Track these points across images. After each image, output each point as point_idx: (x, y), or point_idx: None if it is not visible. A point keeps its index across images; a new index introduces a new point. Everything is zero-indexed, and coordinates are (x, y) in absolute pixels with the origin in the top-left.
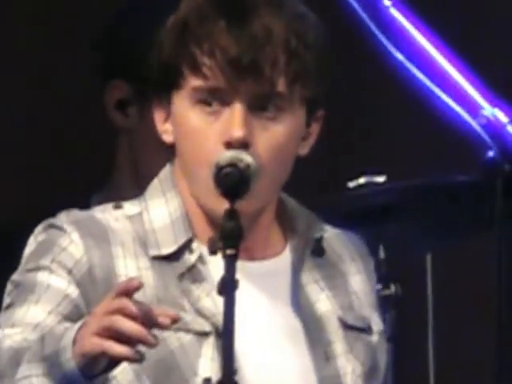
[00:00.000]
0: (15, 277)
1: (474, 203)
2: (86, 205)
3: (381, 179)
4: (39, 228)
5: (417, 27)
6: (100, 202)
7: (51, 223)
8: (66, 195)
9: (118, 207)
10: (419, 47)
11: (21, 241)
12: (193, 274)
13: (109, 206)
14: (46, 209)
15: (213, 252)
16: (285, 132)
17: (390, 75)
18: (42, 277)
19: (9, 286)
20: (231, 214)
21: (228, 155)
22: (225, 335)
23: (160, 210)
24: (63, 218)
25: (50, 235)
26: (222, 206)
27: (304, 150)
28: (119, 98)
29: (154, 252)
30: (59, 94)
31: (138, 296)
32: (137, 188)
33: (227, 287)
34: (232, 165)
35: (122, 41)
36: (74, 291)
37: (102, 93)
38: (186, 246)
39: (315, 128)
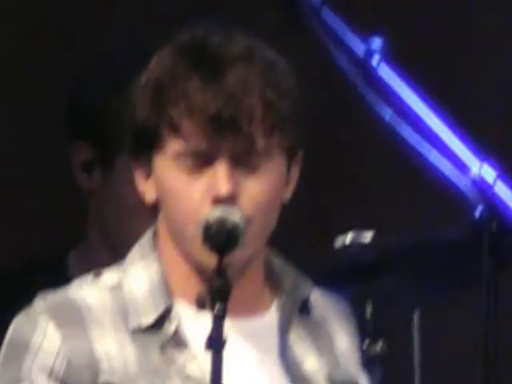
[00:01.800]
0: None
1: (461, 261)
2: (63, 261)
3: (368, 237)
4: (17, 320)
5: (405, 83)
6: (76, 260)
7: (28, 316)
8: (43, 249)
9: (96, 278)
10: (407, 103)
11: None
12: (175, 341)
13: (88, 277)
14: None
15: (201, 307)
16: (268, 182)
17: (379, 131)
18: None
19: None
20: (220, 271)
21: (216, 213)
22: None
23: (139, 277)
24: (38, 307)
25: (26, 333)
26: (211, 259)
27: (287, 195)
28: (83, 160)
29: (134, 325)
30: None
31: (121, 373)
32: (107, 248)
33: (215, 346)
34: (220, 223)
35: (83, 104)
36: None
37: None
38: (164, 315)
39: (295, 171)
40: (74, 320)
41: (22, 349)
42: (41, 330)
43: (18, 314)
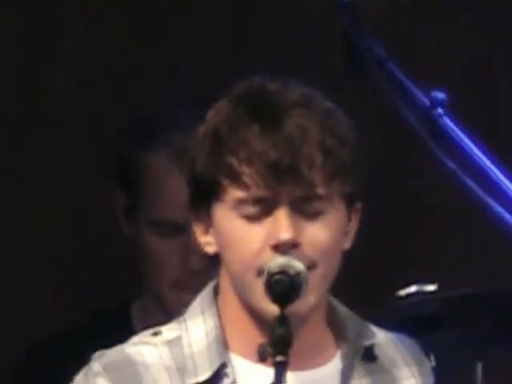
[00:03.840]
0: None
1: None
2: (126, 312)
3: (431, 288)
4: (77, 380)
5: (467, 137)
6: (138, 310)
7: (86, 376)
8: (106, 302)
9: (156, 334)
10: (471, 156)
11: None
12: None
13: (147, 334)
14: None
15: (262, 359)
16: (329, 228)
17: (443, 184)
18: None
19: None
20: (282, 320)
21: (278, 262)
22: None
23: (198, 332)
24: (95, 368)
25: None
26: (272, 308)
27: (347, 245)
28: (122, 208)
29: (191, 381)
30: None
31: None
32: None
33: None
34: (283, 272)
35: (117, 156)
36: None
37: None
38: (220, 371)
39: (355, 221)
40: (130, 378)
41: None
42: None
43: (77, 374)
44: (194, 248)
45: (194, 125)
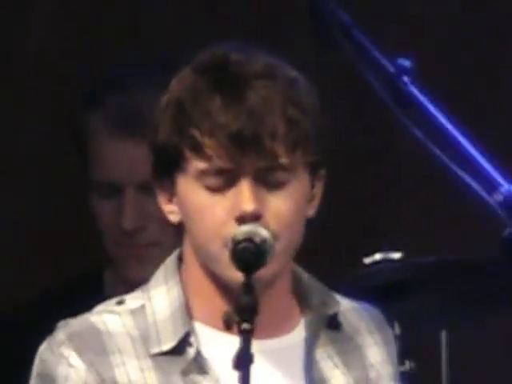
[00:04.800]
0: None
1: (490, 280)
2: (99, 279)
3: (396, 256)
4: (41, 351)
5: (434, 105)
6: (112, 276)
7: (50, 346)
8: (80, 267)
9: (120, 303)
10: (436, 124)
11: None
12: (196, 365)
13: (111, 303)
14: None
15: (228, 327)
16: (292, 199)
17: (408, 150)
18: None
19: None
20: (247, 287)
21: (244, 230)
22: None
23: (161, 301)
24: (59, 337)
25: (51, 365)
26: (237, 276)
27: (311, 212)
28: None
29: (155, 349)
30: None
31: None
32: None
33: (243, 362)
34: (248, 239)
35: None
36: None
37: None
38: (185, 340)
39: (319, 188)
40: (95, 347)
41: (49, 381)
42: (65, 360)
43: (42, 345)
44: (128, 208)
45: (143, 89)
